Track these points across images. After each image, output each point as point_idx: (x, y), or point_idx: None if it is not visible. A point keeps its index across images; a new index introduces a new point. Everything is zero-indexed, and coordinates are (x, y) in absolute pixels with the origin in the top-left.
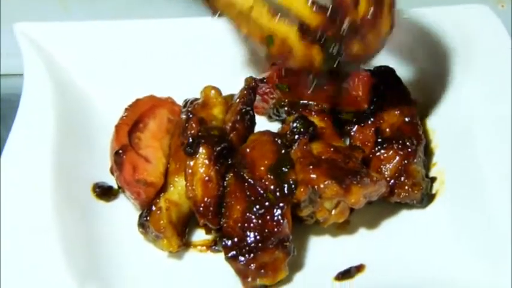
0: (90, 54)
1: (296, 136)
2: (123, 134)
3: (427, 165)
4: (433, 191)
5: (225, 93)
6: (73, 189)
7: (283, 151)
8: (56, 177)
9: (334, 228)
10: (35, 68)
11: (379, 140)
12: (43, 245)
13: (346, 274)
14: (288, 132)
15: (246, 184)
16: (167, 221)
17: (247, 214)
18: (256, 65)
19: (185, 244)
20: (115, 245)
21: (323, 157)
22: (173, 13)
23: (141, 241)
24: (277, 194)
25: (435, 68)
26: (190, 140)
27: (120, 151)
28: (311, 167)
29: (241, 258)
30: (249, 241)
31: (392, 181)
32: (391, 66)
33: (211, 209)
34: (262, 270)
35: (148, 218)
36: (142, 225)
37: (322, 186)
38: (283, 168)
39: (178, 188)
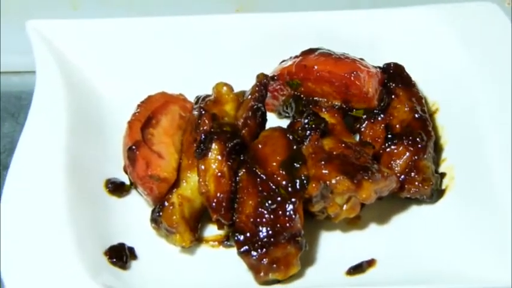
0: (102, 51)
1: (307, 132)
2: (136, 130)
3: (437, 161)
4: (443, 187)
5: (236, 89)
6: (86, 185)
7: (295, 147)
8: (69, 173)
9: (345, 223)
10: (47, 65)
11: (389, 136)
12: (57, 239)
13: (357, 269)
14: (299, 128)
15: (258, 180)
16: (180, 216)
17: (260, 209)
18: (267, 62)
19: (197, 239)
20: (127, 239)
21: (334, 153)
22: (184, 10)
23: (154, 236)
24: (289, 189)
25: (444, 64)
26: (203, 136)
27: (134, 147)
28: (323, 162)
29: (254, 253)
30: (261, 236)
31: (402, 177)
32: (400, 63)
33: (223, 204)
34: (275, 265)
35: (161, 213)
36: (155, 220)
37: (333, 181)
38: (295, 164)
39: (190, 184)
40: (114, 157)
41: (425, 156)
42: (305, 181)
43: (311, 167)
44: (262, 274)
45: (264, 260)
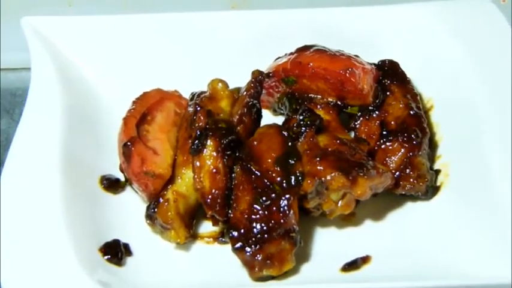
0: (97, 48)
1: (303, 129)
2: (131, 126)
3: (432, 158)
4: (438, 183)
5: (231, 86)
6: (81, 182)
7: (290, 143)
8: (64, 170)
9: (340, 219)
10: (42, 62)
11: (384, 132)
12: (52, 236)
13: (352, 265)
14: (294, 125)
15: (253, 176)
16: (175, 212)
17: (254, 206)
18: (262, 59)
19: (192, 236)
20: (123, 236)
21: (329, 149)
22: (180, 7)
23: (149, 233)
24: (284, 185)
25: (439, 61)
26: (198, 133)
27: (129, 143)
28: (318, 159)
29: (248, 249)
30: (256, 232)
31: (397, 173)
32: (395, 60)
33: (218, 200)
34: (269, 261)
35: (156, 209)
36: (150, 216)
37: (329, 178)
38: (290, 160)
39: (185, 180)
40: (109, 154)
41: (420, 152)
42: (300, 177)
43: (306, 164)
44: (256, 270)
45: (258, 256)
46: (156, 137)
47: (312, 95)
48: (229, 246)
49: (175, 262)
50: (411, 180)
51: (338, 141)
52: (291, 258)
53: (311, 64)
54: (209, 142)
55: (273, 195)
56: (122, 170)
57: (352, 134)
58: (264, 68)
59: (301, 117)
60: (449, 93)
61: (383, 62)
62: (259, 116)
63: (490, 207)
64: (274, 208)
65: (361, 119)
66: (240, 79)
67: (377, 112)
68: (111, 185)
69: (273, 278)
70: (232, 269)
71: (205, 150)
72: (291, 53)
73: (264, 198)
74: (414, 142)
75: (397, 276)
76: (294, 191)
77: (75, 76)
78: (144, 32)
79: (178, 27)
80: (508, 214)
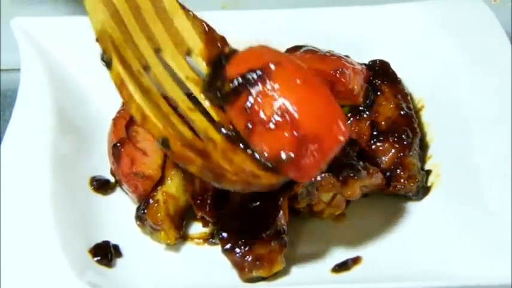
0: (88, 48)
1: None
2: (120, 127)
3: (423, 158)
4: (429, 184)
5: None
6: (70, 183)
7: None
8: (54, 171)
9: (331, 220)
10: (32, 63)
11: (375, 133)
12: (41, 237)
13: (342, 266)
14: None
15: None
16: (164, 213)
17: (244, 206)
18: None
19: (182, 237)
20: (113, 237)
21: None
22: None
23: (139, 234)
24: None
25: (430, 61)
26: None
27: (118, 144)
28: None
29: (237, 251)
30: (245, 233)
31: (388, 174)
32: (386, 60)
33: (208, 201)
34: (258, 262)
35: (145, 210)
36: (140, 218)
37: (319, 178)
38: None
39: (175, 181)
40: (99, 155)
41: (410, 153)
42: None
43: None
44: (246, 271)
45: (248, 257)
46: (146, 138)
47: None
48: (219, 248)
49: (165, 263)
50: (402, 180)
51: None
52: (280, 259)
53: None
54: None
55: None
56: (112, 173)
57: None
58: None
59: None
60: (441, 93)
61: (374, 62)
62: None
63: (483, 207)
64: (264, 209)
65: (351, 119)
66: None
67: (367, 112)
68: (101, 186)
69: (263, 279)
70: (222, 270)
71: None
72: None
73: (253, 199)
74: (405, 142)
75: (389, 277)
76: (283, 192)
77: (65, 77)
78: None
79: None
80: (504, 215)
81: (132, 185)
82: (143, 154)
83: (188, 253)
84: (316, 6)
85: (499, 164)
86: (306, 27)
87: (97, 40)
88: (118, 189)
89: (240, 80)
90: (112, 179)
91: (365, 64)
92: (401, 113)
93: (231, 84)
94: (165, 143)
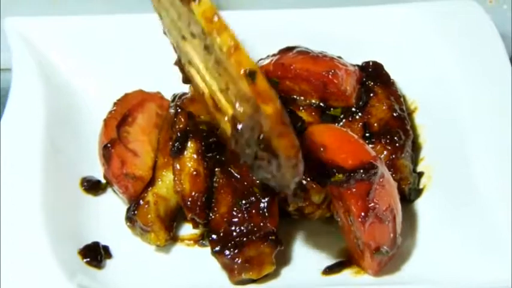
0: (79, 48)
1: None
2: (111, 128)
3: (415, 160)
4: (421, 186)
5: None
6: (61, 183)
7: None
8: (45, 171)
9: (322, 222)
10: (24, 63)
11: (367, 134)
12: (32, 240)
13: (333, 268)
14: None
15: (233, 179)
16: (155, 215)
17: (234, 209)
18: None
19: (173, 238)
20: (103, 239)
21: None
22: None
23: (129, 235)
24: (264, 188)
25: (424, 63)
26: (179, 135)
27: (109, 145)
28: None
29: (227, 253)
30: (235, 235)
31: None
32: (379, 61)
33: (198, 203)
34: (248, 264)
35: (136, 212)
36: (130, 219)
37: (309, 180)
38: None
39: (166, 182)
40: (90, 155)
41: (403, 155)
42: None
43: None
44: (236, 273)
45: (238, 259)
46: (137, 139)
47: (295, 97)
48: (209, 249)
49: (156, 265)
50: None
51: None
52: (270, 261)
53: (293, 66)
54: (189, 144)
55: (253, 198)
56: (106, 179)
57: None
58: None
59: None
60: (434, 95)
61: (367, 63)
62: None
63: (477, 209)
64: (254, 211)
65: (343, 120)
66: None
67: (360, 114)
68: (92, 187)
69: (253, 281)
70: (212, 272)
71: (185, 152)
72: (274, 55)
73: (243, 202)
74: (397, 144)
75: (380, 280)
76: (274, 194)
77: (57, 77)
78: (126, 32)
79: (161, 28)
80: (502, 217)
81: (123, 186)
82: (134, 155)
83: (178, 254)
84: (310, 6)
85: (492, 165)
86: (299, 28)
87: None
88: (109, 190)
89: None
90: (103, 180)
91: (358, 65)
92: (394, 114)
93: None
94: (252, 74)
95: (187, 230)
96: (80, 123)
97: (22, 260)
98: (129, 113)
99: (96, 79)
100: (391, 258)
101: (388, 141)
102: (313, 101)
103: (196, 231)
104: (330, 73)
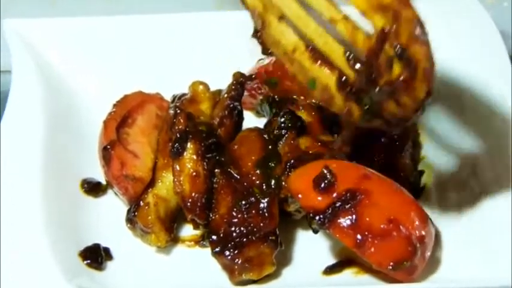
0: (79, 50)
1: (283, 131)
2: (111, 129)
3: (416, 159)
4: (421, 184)
5: (212, 88)
6: (62, 185)
7: (270, 146)
8: (45, 173)
9: None
10: (24, 65)
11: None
12: (32, 242)
13: (334, 268)
14: (275, 127)
15: (233, 180)
16: (155, 216)
17: (234, 209)
18: (244, 60)
19: (173, 239)
20: (103, 240)
21: (310, 152)
22: (163, 8)
23: (130, 236)
24: (264, 188)
25: None
26: (178, 136)
27: (108, 146)
28: (292, 161)
29: (227, 253)
30: (235, 236)
31: None
32: None
33: (198, 204)
34: (248, 265)
35: (136, 213)
36: (130, 220)
37: None
38: (270, 163)
39: (166, 183)
40: (90, 157)
41: (403, 153)
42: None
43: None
44: (236, 274)
45: (238, 260)
46: (137, 140)
47: (295, 97)
48: (210, 250)
49: (156, 266)
50: None
51: (319, 144)
52: (271, 262)
53: None
54: (189, 145)
55: (252, 198)
56: (108, 182)
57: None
58: (247, 70)
59: (282, 120)
60: (435, 92)
61: None
62: (240, 119)
63: (479, 207)
64: (254, 212)
65: None
66: (222, 81)
67: None
68: (92, 188)
69: (253, 281)
70: (213, 273)
71: (185, 153)
72: None
73: (243, 202)
74: (397, 143)
75: (379, 279)
76: (273, 194)
77: (57, 78)
78: (126, 34)
79: (161, 28)
80: (503, 216)
81: (123, 188)
82: (134, 156)
83: (179, 256)
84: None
85: (494, 163)
86: None
87: None
88: (109, 191)
89: None
90: (103, 181)
91: None
92: None
93: None
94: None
95: (187, 231)
96: (79, 124)
97: (22, 261)
98: (129, 115)
99: (96, 80)
100: (425, 260)
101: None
102: (313, 100)
103: (197, 232)
104: None
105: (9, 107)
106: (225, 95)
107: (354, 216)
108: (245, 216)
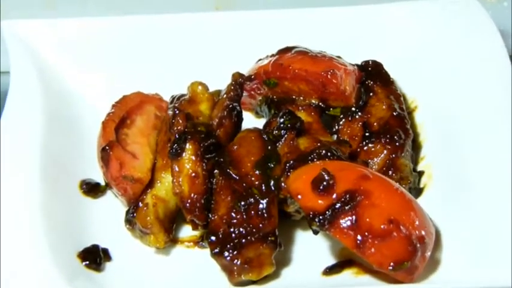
0: (78, 51)
1: (283, 132)
2: (110, 130)
3: (415, 159)
4: (421, 185)
5: (211, 88)
6: (60, 186)
7: (269, 147)
8: (44, 174)
9: None
10: (22, 66)
11: (367, 134)
12: (31, 243)
13: (334, 269)
14: (274, 128)
15: (232, 181)
16: (154, 217)
17: (233, 210)
18: (243, 61)
19: (172, 240)
20: (102, 241)
21: (310, 152)
22: (162, 9)
23: (129, 237)
24: (263, 189)
25: (423, 61)
26: (177, 136)
27: (107, 147)
28: (291, 162)
29: (226, 254)
30: (234, 237)
31: None
32: (379, 60)
33: (197, 205)
34: (247, 266)
35: (135, 214)
36: (129, 221)
37: None
38: (270, 164)
39: (165, 184)
40: (89, 158)
41: (403, 154)
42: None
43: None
44: (235, 275)
45: (237, 260)
46: (136, 141)
47: (294, 97)
48: (209, 251)
49: (155, 267)
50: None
51: (319, 144)
52: (270, 262)
53: (292, 66)
54: (188, 146)
55: (252, 199)
56: (106, 184)
57: (335, 136)
58: (246, 70)
59: (281, 120)
60: (434, 93)
61: (366, 62)
62: (239, 119)
63: (478, 208)
64: (253, 212)
65: (343, 120)
66: (221, 81)
67: (360, 113)
68: (91, 189)
69: (253, 282)
70: (212, 274)
71: (184, 154)
72: (273, 55)
73: (242, 203)
74: (397, 143)
75: (379, 279)
76: (273, 195)
77: (56, 79)
78: (124, 34)
79: (160, 29)
80: (502, 216)
81: (122, 189)
82: (132, 157)
83: (178, 256)
84: (309, 6)
85: (493, 164)
86: (299, 27)
87: None
88: (108, 192)
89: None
90: (102, 182)
91: (357, 65)
92: (394, 114)
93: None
94: None
95: (186, 231)
96: (78, 125)
97: (21, 262)
98: (128, 115)
99: (95, 81)
100: (425, 260)
101: (388, 140)
102: (313, 101)
103: (196, 233)
104: (329, 73)
105: (7, 108)
106: (224, 96)
107: (353, 217)
108: (244, 217)
